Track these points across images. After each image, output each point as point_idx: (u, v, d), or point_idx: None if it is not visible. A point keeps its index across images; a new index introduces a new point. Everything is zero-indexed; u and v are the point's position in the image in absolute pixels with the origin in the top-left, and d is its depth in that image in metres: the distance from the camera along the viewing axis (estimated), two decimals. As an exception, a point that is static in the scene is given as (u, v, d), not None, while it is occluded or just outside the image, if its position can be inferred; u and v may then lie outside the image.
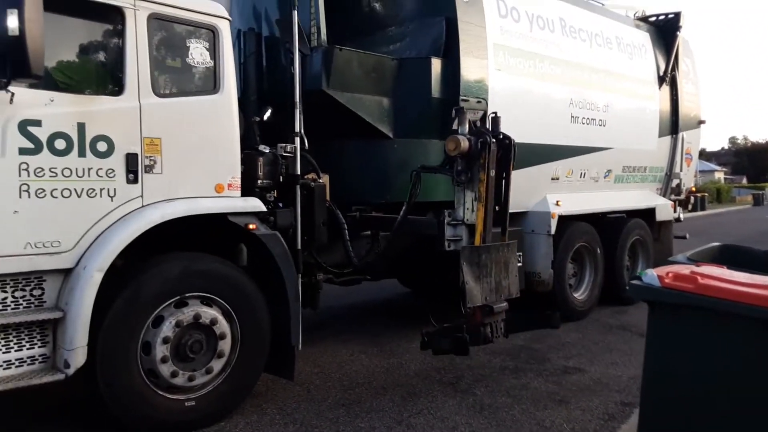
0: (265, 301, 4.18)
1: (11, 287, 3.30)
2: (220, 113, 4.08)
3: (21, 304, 3.32)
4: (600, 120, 7.31)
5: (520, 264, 6.36)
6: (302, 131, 4.88)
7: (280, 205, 4.52)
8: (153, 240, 3.73)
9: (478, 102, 5.80)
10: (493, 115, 4.97)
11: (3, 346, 3.27)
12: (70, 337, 3.34)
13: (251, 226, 4.10)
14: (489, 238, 4.61)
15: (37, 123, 3.29)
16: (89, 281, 3.38)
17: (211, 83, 4.06)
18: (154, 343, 3.68)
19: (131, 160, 3.63)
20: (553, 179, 6.93)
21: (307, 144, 4.95)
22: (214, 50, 4.06)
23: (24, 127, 3.26)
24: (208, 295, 3.90)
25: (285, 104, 4.84)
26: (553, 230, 6.62)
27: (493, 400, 4.53)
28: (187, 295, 3.82)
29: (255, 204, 4.19)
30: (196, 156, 3.94)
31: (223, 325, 3.95)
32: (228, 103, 4.12)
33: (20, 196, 3.25)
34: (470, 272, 4.36)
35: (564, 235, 6.90)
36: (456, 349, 4.52)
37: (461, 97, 5.61)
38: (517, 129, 6.14)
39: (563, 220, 6.77)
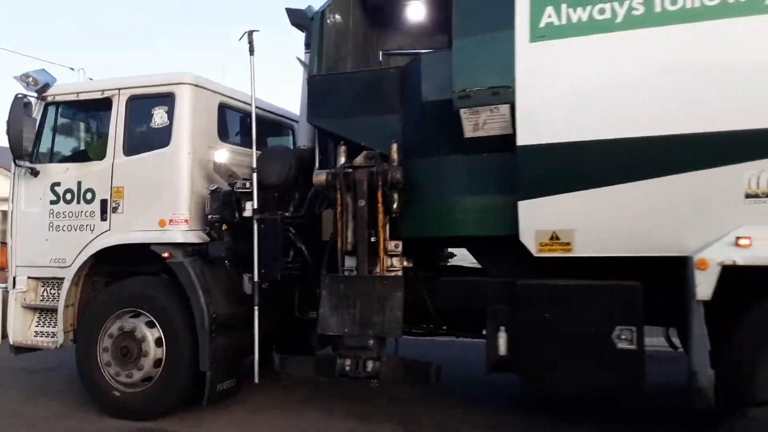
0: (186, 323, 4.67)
1: (42, 286, 5.32)
2: (167, 162, 4.91)
3: (50, 299, 5.29)
4: None
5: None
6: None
7: (219, 238, 4.84)
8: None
9: (494, 94, 4.03)
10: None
11: (42, 322, 5.33)
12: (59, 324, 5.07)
13: (165, 255, 4.73)
14: (362, 269, 4.44)
15: (58, 184, 5.25)
16: (64, 287, 5.05)
17: (167, 139, 4.98)
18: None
19: (103, 204, 5.08)
20: (748, 196, 3.62)
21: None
22: (172, 111, 4.98)
23: (52, 187, 5.28)
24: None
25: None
26: (703, 293, 3.52)
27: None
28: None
29: (171, 236, 4.76)
30: (147, 198, 4.93)
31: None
32: (174, 154, 4.89)
33: (48, 230, 5.26)
34: (328, 300, 4.42)
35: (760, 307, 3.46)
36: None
37: (457, 93, 4.10)
38: (628, 116, 3.89)
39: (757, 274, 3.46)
